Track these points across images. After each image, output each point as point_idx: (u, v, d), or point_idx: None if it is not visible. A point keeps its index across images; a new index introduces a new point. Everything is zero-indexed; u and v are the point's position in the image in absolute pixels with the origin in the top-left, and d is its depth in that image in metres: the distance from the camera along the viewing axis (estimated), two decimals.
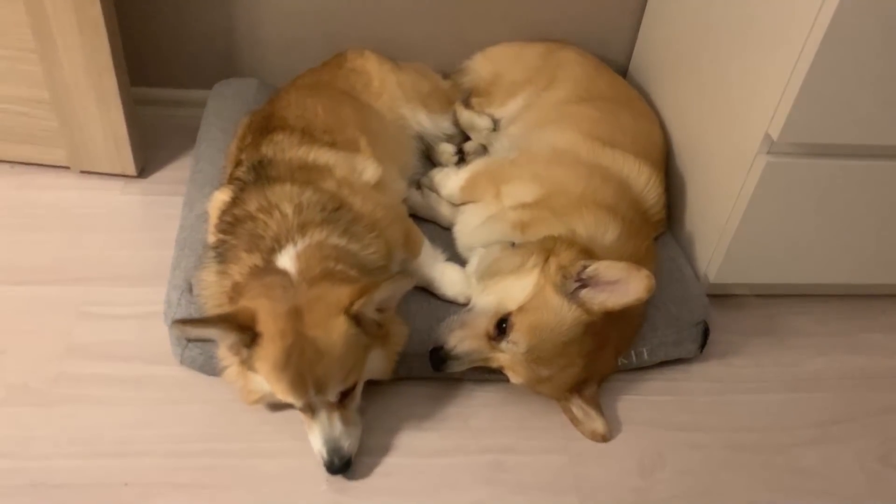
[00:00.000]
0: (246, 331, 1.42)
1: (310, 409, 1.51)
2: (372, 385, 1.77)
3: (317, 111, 1.93)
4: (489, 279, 1.76)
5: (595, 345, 1.66)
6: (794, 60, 1.61)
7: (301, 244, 1.56)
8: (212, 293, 1.61)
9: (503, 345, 1.64)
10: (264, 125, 1.89)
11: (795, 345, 2.05)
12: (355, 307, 1.44)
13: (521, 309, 1.62)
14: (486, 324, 1.66)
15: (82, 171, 2.25)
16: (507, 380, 1.70)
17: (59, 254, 2.00)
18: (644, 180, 1.98)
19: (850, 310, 2.17)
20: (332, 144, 1.84)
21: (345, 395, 1.51)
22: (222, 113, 2.19)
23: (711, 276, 2.00)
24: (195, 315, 1.69)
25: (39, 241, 2.03)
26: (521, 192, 1.92)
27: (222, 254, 1.59)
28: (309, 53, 2.44)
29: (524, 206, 1.89)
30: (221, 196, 1.75)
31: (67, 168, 2.25)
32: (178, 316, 1.70)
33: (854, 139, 1.73)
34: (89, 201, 2.17)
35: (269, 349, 1.42)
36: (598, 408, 1.76)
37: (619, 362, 1.85)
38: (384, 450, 1.68)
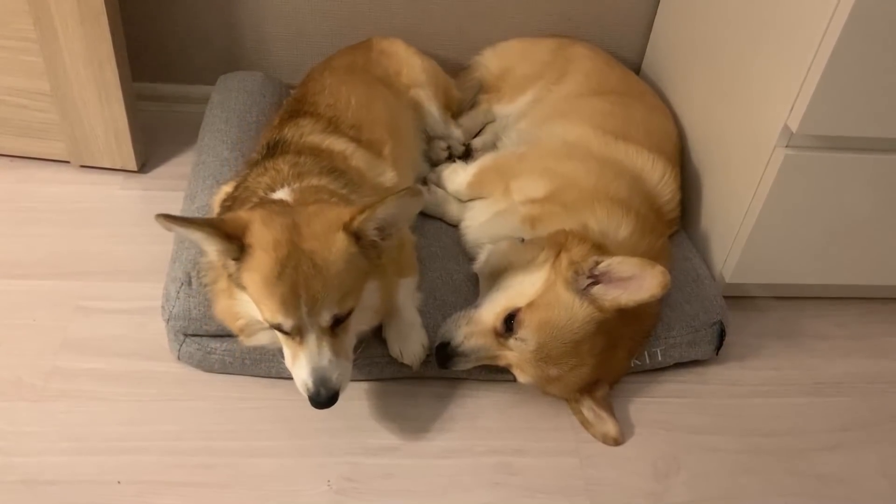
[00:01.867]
0: (233, 240, 1.33)
1: (298, 334, 1.38)
2: (375, 383, 1.73)
3: (349, 102, 1.88)
4: (498, 275, 1.70)
5: (607, 344, 1.61)
6: (815, 48, 1.56)
7: (297, 185, 1.51)
8: (214, 276, 1.56)
9: (511, 342, 1.58)
10: (295, 108, 1.87)
11: (814, 348, 1.99)
12: (356, 222, 1.36)
13: (530, 305, 1.57)
14: (493, 320, 1.60)
15: (82, 166, 2.21)
16: (515, 379, 1.64)
17: (57, 248, 1.96)
18: (658, 175, 1.93)
19: (870, 313, 2.11)
20: (357, 140, 1.80)
21: (337, 323, 1.39)
22: (226, 105, 2.15)
23: (727, 276, 1.94)
24: (198, 301, 1.65)
25: (38, 235, 2.00)
26: (530, 186, 1.87)
27: None
28: (314, 48, 2.42)
29: (534, 200, 1.84)
30: (226, 188, 1.72)
31: (67, 162, 2.21)
32: (177, 311, 1.65)
33: (877, 132, 1.67)
34: (89, 196, 2.14)
35: (261, 260, 1.32)
36: (610, 410, 1.71)
37: (632, 363, 1.79)
38: (388, 450, 1.62)
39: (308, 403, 1.58)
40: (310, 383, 1.39)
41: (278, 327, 1.39)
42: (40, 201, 2.10)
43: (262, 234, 1.33)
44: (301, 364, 1.40)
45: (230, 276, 1.40)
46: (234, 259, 1.35)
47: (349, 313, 1.41)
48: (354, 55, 2.17)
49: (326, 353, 1.39)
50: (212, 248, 1.37)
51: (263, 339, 1.53)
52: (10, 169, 2.19)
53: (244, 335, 1.52)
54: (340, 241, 1.36)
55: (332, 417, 1.66)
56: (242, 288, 1.39)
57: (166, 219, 1.28)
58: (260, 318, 1.40)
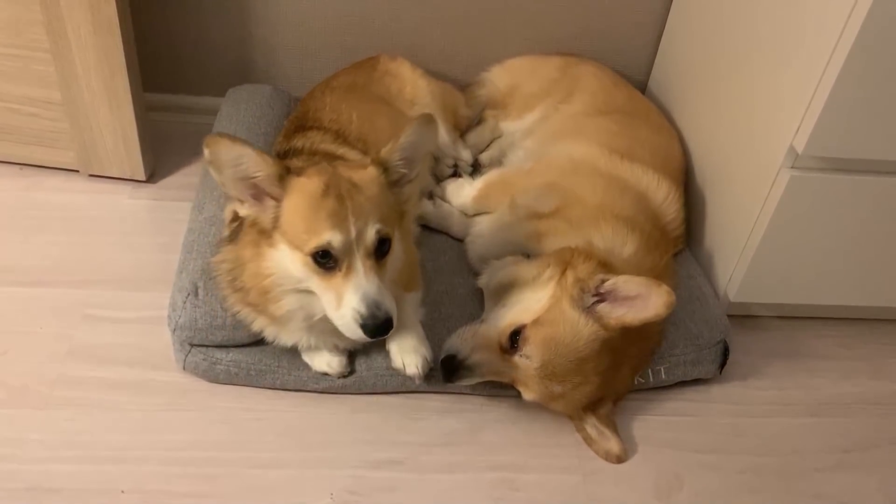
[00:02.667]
0: (280, 165, 1.41)
1: (346, 258, 1.40)
2: (379, 396, 1.74)
3: (351, 118, 1.91)
4: (503, 291, 1.71)
5: (611, 362, 1.61)
6: (822, 69, 1.58)
7: None
8: (227, 268, 1.57)
9: (516, 358, 1.58)
10: (298, 125, 1.89)
11: (818, 368, 1.99)
12: (383, 153, 1.47)
13: (535, 322, 1.58)
14: (498, 336, 1.61)
15: (91, 175, 2.22)
16: (519, 395, 1.64)
17: (64, 256, 1.97)
18: (663, 194, 1.94)
19: (874, 334, 2.11)
20: (365, 153, 1.81)
21: (380, 253, 1.43)
22: (235, 117, 2.16)
23: (732, 295, 1.95)
24: (204, 311, 1.66)
25: (45, 243, 2.00)
26: (536, 202, 1.88)
27: (235, 235, 1.56)
28: (324, 63, 2.44)
29: (540, 216, 1.85)
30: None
31: (76, 171, 2.22)
32: (183, 321, 1.65)
33: (883, 154, 1.68)
34: (97, 205, 2.15)
35: (306, 183, 1.40)
36: (614, 427, 1.71)
37: (636, 381, 1.79)
38: (391, 464, 1.62)
39: (309, 415, 1.65)
40: (362, 308, 1.39)
41: (325, 251, 1.38)
42: (49, 209, 2.11)
43: (306, 171, 1.44)
44: (350, 294, 1.40)
45: (262, 228, 1.44)
46: (279, 179, 1.41)
47: (389, 244, 1.45)
48: (355, 74, 2.19)
49: (375, 280, 1.41)
50: (259, 170, 1.40)
51: (291, 303, 1.51)
52: (20, 177, 2.20)
53: (270, 300, 1.51)
54: (371, 171, 1.47)
55: (336, 430, 1.67)
56: (275, 231, 1.42)
57: (221, 136, 1.35)
58: (294, 270, 1.42)
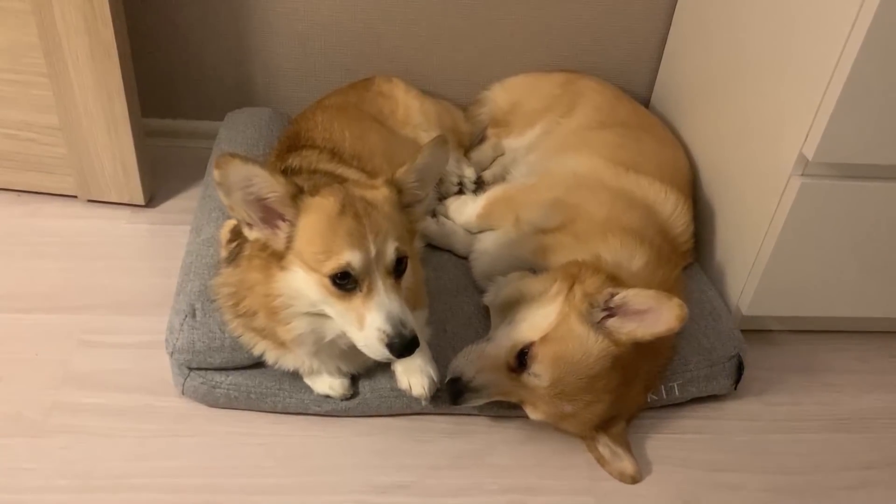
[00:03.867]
0: (292, 181, 1.38)
1: (366, 278, 1.35)
2: (383, 419, 1.70)
3: (344, 136, 1.88)
4: (510, 307, 1.67)
5: (623, 379, 1.57)
6: (830, 73, 1.55)
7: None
8: (228, 292, 1.53)
9: (524, 377, 1.54)
10: (291, 144, 1.85)
11: (835, 382, 1.94)
12: (397, 174, 1.45)
13: (543, 339, 1.53)
14: (506, 354, 1.56)
15: (90, 200, 2.20)
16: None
17: (62, 282, 1.94)
18: (671, 207, 1.90)
19: (892, 347, 2.06)
20: (361, 170, 1.79)
21: (398, 272, 1.39)
22: (234, 140, 2.14)
23: (744, 309, 1.90)
24: (202, 333, 1.62)
25: (43, 268, 1.98)
26: (541, 217, 1.85)
27: (234, 257, 1.52)
28: (323, 85, 2.42)
29: (545, 231, 1.82)
30: (232, 221, 1.69)
31: (75, 197, 2.20)
32: (181, 343, 1.61)
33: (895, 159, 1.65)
34: (95, 230, 2.12)
35: (321, 203, 1.37)
36: (627, 446, 1.66)
37: (649, 398, 1.74)
38: (396, 488, 1.57)
39: (311, 439, 1.62)
40: (388, 327, 1.34)
41: (344, 273, 1.34)
42: (47, 235, 2.09)
43: (320, 190, 1.40)
44: (373, 314, 1.35)
45: (272, 250, 1.39)
46: (293, 199, 1.37)
47: (406, 263, 1.41)
48: (347, 94, 2.18)
49: (396, 299, 1.37)
50: (271, 191, 1.36)
51: (302, 326, 1.46)
52: (18, 203, 2.18)
53: (279, 321, 1.46)
54: (384, 190, 1.44)
55: (339, 454, 1.62)
56: (288, 253, 1.38)
57: (232, 156, 1.30)
58: (310, 293, 1.38)
